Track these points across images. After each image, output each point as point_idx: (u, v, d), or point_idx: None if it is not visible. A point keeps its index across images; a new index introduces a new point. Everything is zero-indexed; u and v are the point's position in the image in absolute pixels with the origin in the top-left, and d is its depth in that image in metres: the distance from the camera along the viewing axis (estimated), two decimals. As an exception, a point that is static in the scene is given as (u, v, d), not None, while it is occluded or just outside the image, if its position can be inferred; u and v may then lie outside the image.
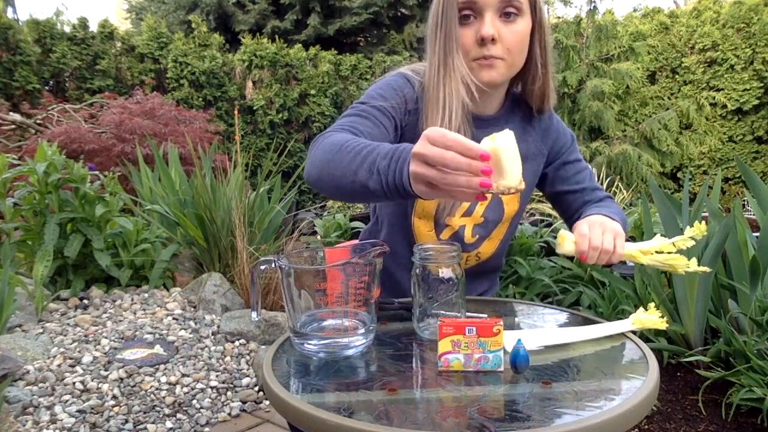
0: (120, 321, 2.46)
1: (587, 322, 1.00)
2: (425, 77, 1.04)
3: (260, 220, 3.28)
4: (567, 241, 1.00)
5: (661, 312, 2.27)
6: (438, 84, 1.00)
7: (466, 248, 1.14)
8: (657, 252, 0.97)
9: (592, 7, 5.68)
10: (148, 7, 12.02)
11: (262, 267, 0.87)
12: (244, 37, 7.52)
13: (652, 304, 0.96)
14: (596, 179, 1.20)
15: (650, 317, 0.93)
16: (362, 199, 0.84)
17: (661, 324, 0.93)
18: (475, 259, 1.16)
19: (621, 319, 0.97)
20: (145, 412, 1.94)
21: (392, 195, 0.76)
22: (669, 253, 0.96)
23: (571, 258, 3.38)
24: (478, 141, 0.69)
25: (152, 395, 2.02)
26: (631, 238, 3.00)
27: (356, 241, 0.94)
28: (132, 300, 2.66)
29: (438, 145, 0.66)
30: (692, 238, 0.96)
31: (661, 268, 0.98)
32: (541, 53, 1.04)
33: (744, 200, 4.04)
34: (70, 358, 2.13)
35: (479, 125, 1.05)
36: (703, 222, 0.98)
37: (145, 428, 1.88)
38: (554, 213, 3.34)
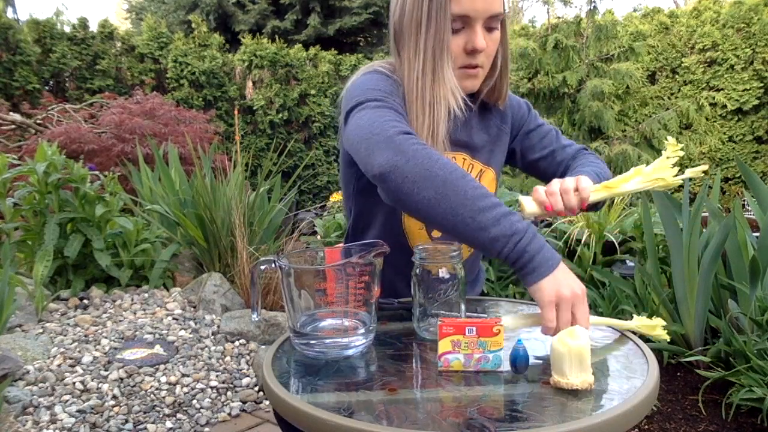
0: (120, 321, 2.46)
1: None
2: (404, 77, 1.03)
3: (260, 220, 3.28)
4: (527, 202, 0.98)
5: (663, 316, 2.28)
6: (424, 88, 1.00)
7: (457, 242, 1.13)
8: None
9: (592, 7, 5.67)
10: (148, 7, 12.02)
11: (262, 267, 0.87)
12: (244, 37, 7.52)
13: (659, 320, 0.95)
14: (562, 135, 1.22)
15: (654, 323, 0.93)
16: (427, 224, 0.96)
17: (663, 335, 0.93)
18: (467, 251, 1.15)
19: (622, 320, 0.96)
20: (145, 412, 1.94)
21: (497, 255, 0.82)
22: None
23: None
24: (451, 134, 0.97)
25: (152, 395, 2.02)
26: (631, 238, 3.00)
27: (354, 243, 0.93)
28: (132, 300, 2.66)
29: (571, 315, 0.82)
30: (668, 158, 0.94)
31: (652, 188, 0.95)
32: (504, 54, 1.08)
33: (744, 200, 4.05)
34: (70, 358, 2.13)
35: (453, 119, 1.08)
36: (674, 140, 0.96)
37: (145, 428, 1.88)
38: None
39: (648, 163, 0.98)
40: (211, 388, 2.14)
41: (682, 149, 0.96)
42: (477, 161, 1.11)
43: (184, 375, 2.15)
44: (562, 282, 0.81)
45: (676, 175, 0.94)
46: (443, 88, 0.99)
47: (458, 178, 0.81)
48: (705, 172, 1.02)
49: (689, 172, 0.95)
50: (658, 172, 0.94)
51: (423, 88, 1.00)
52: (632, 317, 0.95)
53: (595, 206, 1.04)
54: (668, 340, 0.94)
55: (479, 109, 1.13)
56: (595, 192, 0.96)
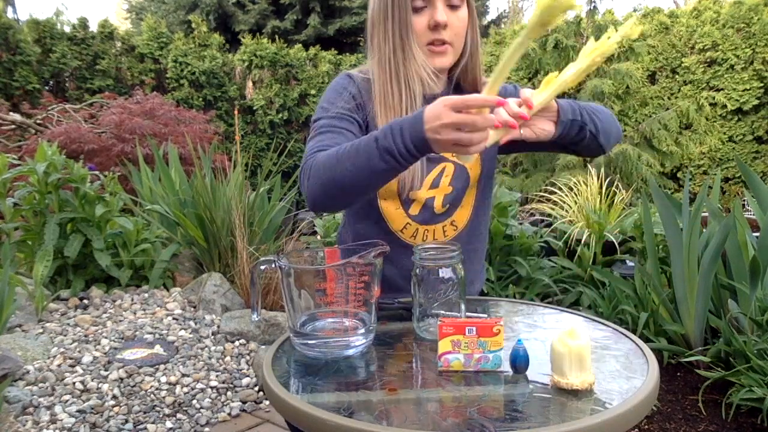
0: (120, 321, 2.46)
1: (587, 320, 1.00)
2: (376, 65, 1.11)
3: (260, 220, 3.28)
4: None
5: (663, 316, 2.28)
6: (398, 67, 1.08)
7: (439, 219, 1.14)
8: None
9: (592, 7, 5.67)
10: (148, 7, 12.02)
11: (262, 267, 0.87)
12: (244, 37, 7.52)
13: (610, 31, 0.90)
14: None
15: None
16: (373, 190, 0.97)
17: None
18: (453, 230, 1.16)
19: (621, 320, 0.96)
20: (145, 412, 1.94)
21: (403, 165, 0.88)
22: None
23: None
24: None
25: (152, 395, 2.02)
26: (631, 238, 3.00)
27: (354, 243, 0.94)
28: (132, 300, 2.66)
29: (461, 108, 0.81)
30: (609, 38, 0.89)
31: (590, 65, 0.90)
32: (473, 38, 1.14)
33: (744, 200, 4.04)
34: (70, 358, 2.13)
35: (430, 102, 1.11)
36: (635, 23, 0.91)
37: (145, 428, 1.88)
38: (554, 213, 3.34)
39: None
40: (211, 388, 2.14)
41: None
42: None
43: (184, 375, 2.15)
44: (436, 124, 0.84)
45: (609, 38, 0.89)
46: (414, 64, 1.07)
47: (332, 168, 0.92)
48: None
49: (621, 32, 0.90)
50: (594, 51, 0.90)
51: (396, 67, 1.08)
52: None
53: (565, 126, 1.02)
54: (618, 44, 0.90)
55: (457, 92, 1.16)
56: (538, 93, 0.93)
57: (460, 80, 1.17)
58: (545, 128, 0.99)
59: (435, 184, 1.12)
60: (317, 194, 0.95)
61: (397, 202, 1.13)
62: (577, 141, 1.05)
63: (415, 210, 1.13)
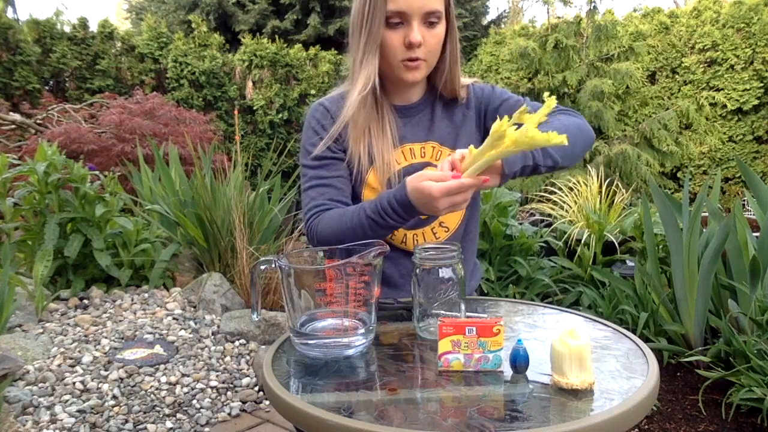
0: (120, 321, 2.46)
1: (587, 320, 1.00)
2: (349, 75, 1.15)
3: (260, 220, 3.28)
4: None
5: (663, 316, 2.28)
6: (353, 80, 1.12)
7: (424, 222, 1.14)
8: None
9: (592, 7, 5.67)
10: (148, 7, 12.02)
11: (262, 267, 0.87)
12: (244, 37, 7.52)
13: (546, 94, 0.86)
14: (536, 102, 1.17)
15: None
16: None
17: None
18: (444, 231, 1.16)
19: (622, 320, 0.96)
20: (145, 412, 1.94)
21: (399, 222, 0.99)
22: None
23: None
24: (403, 128, 1.14)
25: (152, 395, 2.02)
26: (631, 238, 3.00)
27: (354, 243, 0.94)
28: (132, 300, 2.66)
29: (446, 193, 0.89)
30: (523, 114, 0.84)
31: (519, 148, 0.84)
32: (452, 50, 1.14)
33: (744, 200, 4.04)
34: (70, 358, 2.13)
35: (404, 114, 1.17)
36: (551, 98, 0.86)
37: (145, 428, 1.88)
38: (554, 212, 3.34)
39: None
40: (211, 388, 2.14)
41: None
42: (445, 147, 1.16)
43: (184, 375, 2.15)
44: (431, 206, 0.92)
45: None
46: (363, 76, 1.09)
47: (343, 232, 1.03)
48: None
49: (536, 117, 0.84)
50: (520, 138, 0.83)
51: (354, 80, 1.11)
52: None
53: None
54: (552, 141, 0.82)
55: (443, 103, 1.20)
56: (468, 163, 0.90)
57: (440, 89, 1.19)
58: (490, 182, 0.96)
59: None
60: (330, 239, 1.05)
61: None
62: (536, 174, 1.05)
63: None
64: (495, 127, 0.85)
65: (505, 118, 0.85)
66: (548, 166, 1.03)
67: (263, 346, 2.47)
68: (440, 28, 1.09)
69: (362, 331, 0.86)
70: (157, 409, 1.97)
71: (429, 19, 1.06)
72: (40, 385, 1.98)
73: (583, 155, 1.13)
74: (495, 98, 1.21)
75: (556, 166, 1.05)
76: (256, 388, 2.20)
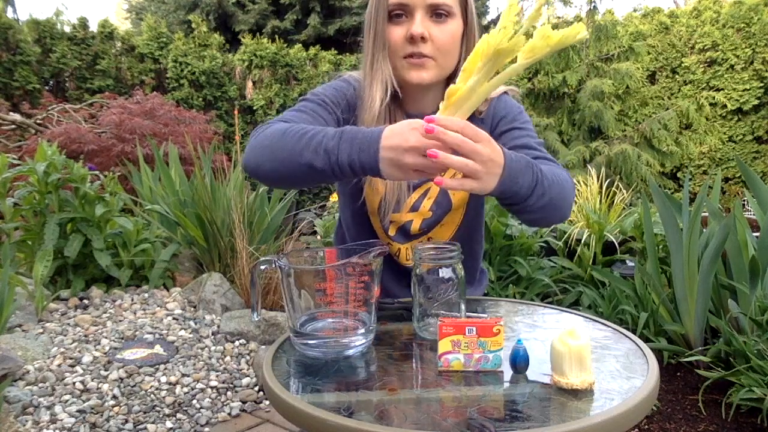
0: (120, 321, 2.46)
1: (587, 320, 1.00)
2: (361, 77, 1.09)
3: (260, 220, 3.28)
4: None
5: (663, 316, 2.28)
6: (366, 84, 1.04)
7: (414, 237, 1.13)
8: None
9: (592, 7, 5.67)
10: (148, 7, 12.02)
11: (262, 267, 0.87)
12: (244, 37, 7.52)
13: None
14: (542, 150, 1.06)
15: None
16: (302, 182, 0.88)
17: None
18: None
19: (622, 320, 0.96)
20: (145, 412, 1.94)
21: (339, 174, 0.83)
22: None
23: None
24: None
25: (152, 395, 2.02)
26: (631, 238, 3.00)
27: (354, 243, 0.94)
28: (132, 300, 2.66)
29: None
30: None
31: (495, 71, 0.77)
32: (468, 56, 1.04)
33: (744, 200, 4.05)
34: (70, 358, 2.13)
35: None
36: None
37: (145, 428, 1.88)
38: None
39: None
40: (211, 388, 2.14)
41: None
42: None
43: (184, 375, 2.15)
44: (400, 146, 0.76)
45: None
46: (376, 80, 1.02)
47: (278, 139, 0.87)
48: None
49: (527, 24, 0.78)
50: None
51: (368, 83, 1.04)
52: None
53: None
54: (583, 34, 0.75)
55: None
56: (441, 112, 0.81)
57: None
58: (474, 183, 0.82)
59: (415, 207, 1.11)
60: (251, 156, 0.92)
61: (377, 221, 1.13)
62: (511, 207, 0.90)
63: (392, 231, 1.14)
64: (480, 45, 0.74)
65: (494, 30, 0.74)
66: (533, 203, 0.87)
67: (263, 346, 2.47)
68: (452, 25, 1.00)
69: (362, 331, 0.86)
70: (157, 409, 1.97)
71: (436, 11, 0.98)
72: (40, 385, 1.98)
73: (555, 221, 0.97)
74: (509, 120, 1.08)
75: (533, 207, 0.88)
76: (256, 388, 2.20)
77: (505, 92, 1.12)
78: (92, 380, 2.03)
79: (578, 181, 3.43)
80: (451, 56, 1.03)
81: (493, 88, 0.80)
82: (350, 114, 1.08)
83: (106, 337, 2.29)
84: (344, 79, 1.12)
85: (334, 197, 4.65)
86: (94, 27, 6.54)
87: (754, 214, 2.44)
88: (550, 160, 1.02)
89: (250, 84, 7.29)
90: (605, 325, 0.97)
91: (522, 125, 1.08)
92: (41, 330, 2.33)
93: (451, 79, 1.05)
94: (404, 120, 0.79)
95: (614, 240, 2.89)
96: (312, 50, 7.66)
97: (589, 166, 4.78)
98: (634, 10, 8.16)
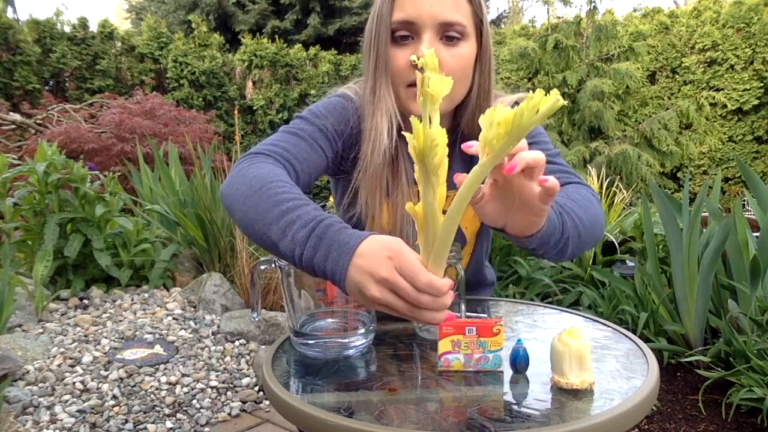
0: (120, 321, 2.46)
1: (587, 320, 1.00)
2: (362, 99, 0.97)
3: (260, 220, 3.27)
4: None
5: (663, 316, 2.28)
6: (368, 113, 0.93)
7: None
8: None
9: (592, 7, 5.67)
10: (148, 7, 12.03)
11: (262, 267, 0.87)
12: (244, 37, 7.52)
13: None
14: (565, 165, 0.98)
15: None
16: (268, 250, 0.77)
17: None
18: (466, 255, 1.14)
19: (621, 320, 0.96)
20: (145, 412, 1.94)
21: (300, 268, 0.71)
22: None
23: None
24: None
25: (152, 395, 2.02)
26: (631, 238, 3.00)
27: None
28: (132, 300, 2.66)
29: (407, 280, 0.60)
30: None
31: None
32: (483, 82, 0.93)
33: (744, 200, 4.04)
34: (70, 358, 2.13)
35: None
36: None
37: (145, 428, 1.88)
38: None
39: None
40: (211, 388, 2.14)
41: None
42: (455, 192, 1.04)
43: (184, 375, 2.15)
44: (371, 271, 0.63)
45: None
46: (379, 112, 0.90)
47: (255, 191, 0.76)
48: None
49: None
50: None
51: (368, 112, 0.93)
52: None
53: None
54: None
55: (466, 139, 1.00)
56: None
57: (465, 128, 0.97)
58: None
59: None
60: (228, 191, 0.81)
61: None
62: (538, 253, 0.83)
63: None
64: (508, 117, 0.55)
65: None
66: (567, 252, 0.80)
67: (263, 346, 2.47)
68: (465, 49, 0.88)
69: (362, 331, 0.86)
70: (157, 409, 1.97)
71: (447, 33, 0.86)
72: (40, 385, 1.98)
73: (591, 247, 0.87)
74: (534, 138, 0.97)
75: (568, 254, 0.81)
76: (256, 388, 2.20)
77: (516, 102, 0.98)
78: (92, 380, 2.03)
79: (578, 181, 3.43)
80: (463, 84, 0.92)
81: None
82: (353, 138, 0.98)
83: (106, 337, 2.29)
84: (343, 95, 1.01)
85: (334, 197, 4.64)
86: (94, 27, 6.55)
87: (754, 214, 2.44)
88: (569, 173, 0.94)
89: (250, 84, 7.29)
90: (605, 325, 0.97)
91: (535, 138, 0.98)
92: (41, 330, 2.33)
93: (460, 108, 0.96)
94: (387, 236, 0.65)
95: (614, 240, 2.89)
96: (312, 50, 7.66)
97: (589, 166, 4.78)
98: (634, 10, 8.16)
